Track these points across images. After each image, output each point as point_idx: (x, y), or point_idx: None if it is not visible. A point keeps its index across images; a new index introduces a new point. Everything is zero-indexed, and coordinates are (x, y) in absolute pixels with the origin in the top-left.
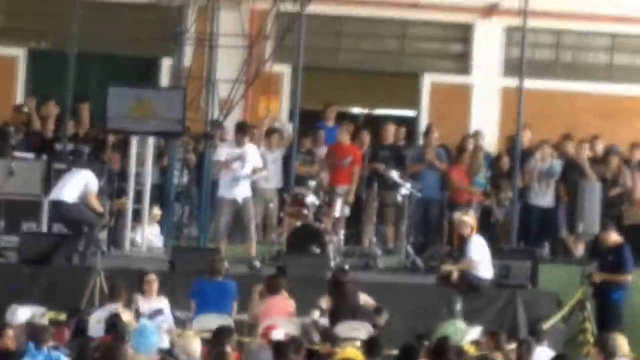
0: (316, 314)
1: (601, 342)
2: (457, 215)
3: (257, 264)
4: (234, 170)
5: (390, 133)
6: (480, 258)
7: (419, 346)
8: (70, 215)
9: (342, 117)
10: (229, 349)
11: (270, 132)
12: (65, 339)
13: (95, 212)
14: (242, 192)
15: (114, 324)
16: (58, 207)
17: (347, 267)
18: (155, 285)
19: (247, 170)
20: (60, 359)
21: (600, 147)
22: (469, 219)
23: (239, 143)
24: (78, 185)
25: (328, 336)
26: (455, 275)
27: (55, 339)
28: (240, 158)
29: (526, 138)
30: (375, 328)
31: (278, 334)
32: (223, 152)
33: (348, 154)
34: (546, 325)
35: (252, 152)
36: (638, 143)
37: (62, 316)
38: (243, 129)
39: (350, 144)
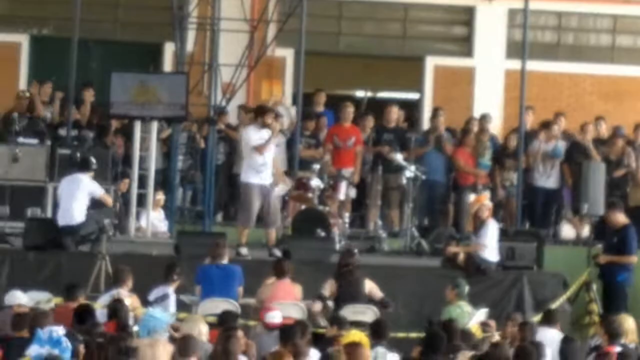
0: (318, 306)
1: (606, 324)
2: (474, 197)
3: (278, 251)
4: (263, 155)
5: (394, 115)
6: (491, 242)
7: (443, 333)
8: (87, 230)
9: (345, 100)
10: (238, 333)
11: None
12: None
13: (106, 206)
14: (268, 177)
15: (116, 310)
16: (73, 232)
17: (355, 250)
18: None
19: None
20: (63, 342)
21: (604, 128)
22: (488, 202)
23: (265, 126)
24: (83, 199)
25: (335, 320)
26: (461, 257)
27: (61, 324)
28: (269, 142)
29: (528, 121)
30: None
31: (272, 317)
32: (253, 136)
33: (350, 134)
34: (552, 307)
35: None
36: None
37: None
38: (265, 111)
39: (352, 125)
